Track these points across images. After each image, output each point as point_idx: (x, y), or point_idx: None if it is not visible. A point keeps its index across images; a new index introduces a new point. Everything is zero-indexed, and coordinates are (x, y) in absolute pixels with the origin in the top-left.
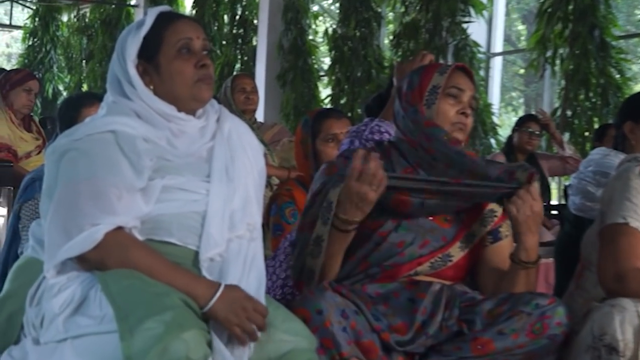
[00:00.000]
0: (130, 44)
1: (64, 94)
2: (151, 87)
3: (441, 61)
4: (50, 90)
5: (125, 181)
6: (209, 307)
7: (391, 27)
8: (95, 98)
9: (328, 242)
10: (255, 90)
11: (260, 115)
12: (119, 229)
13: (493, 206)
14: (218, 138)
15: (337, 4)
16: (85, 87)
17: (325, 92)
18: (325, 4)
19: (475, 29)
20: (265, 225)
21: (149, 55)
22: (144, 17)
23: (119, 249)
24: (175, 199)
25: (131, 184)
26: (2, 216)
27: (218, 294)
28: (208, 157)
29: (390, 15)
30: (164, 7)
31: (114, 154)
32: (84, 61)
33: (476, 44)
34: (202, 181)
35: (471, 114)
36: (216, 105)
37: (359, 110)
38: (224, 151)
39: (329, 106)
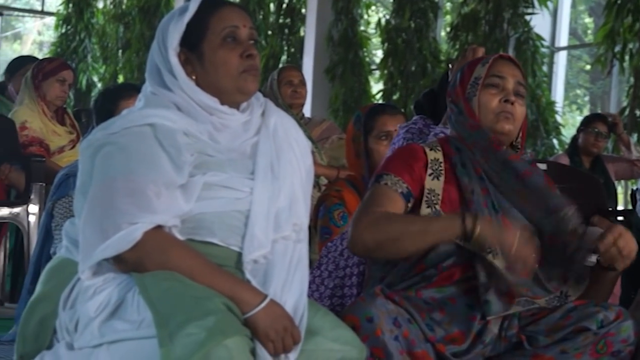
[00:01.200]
0: (173, 30)
1: (99, 85)
2: (193, 77)
3: None
4: (84, 81)
5: (164, 177)
6: (251, 314)
7: (448, 18)
8: (133, 89)
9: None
10: (303, 84)
11: (307, 111)
12: (158, 228)
13: None
14: (263, 133)
15: None
16: (121, 78)
17: (376, 87)
18: None
19: (539, 22)
20: (312, 228)
21: (192, 43)
22: (187, 3)
23: (159, 249)
24: (218, 197)
25: (171, 180)
26: (34, 214)
27: (263, 304)
28: (252, 153)
29: (448, 5)
30: None
31: (153, 148)
32: (120, 51)
33: (539, 38)
34: (246, 178)
35: (521, 102)
36: (261, 99)
37: (412, 107)
38: (269, 147)
39: (380, 102)
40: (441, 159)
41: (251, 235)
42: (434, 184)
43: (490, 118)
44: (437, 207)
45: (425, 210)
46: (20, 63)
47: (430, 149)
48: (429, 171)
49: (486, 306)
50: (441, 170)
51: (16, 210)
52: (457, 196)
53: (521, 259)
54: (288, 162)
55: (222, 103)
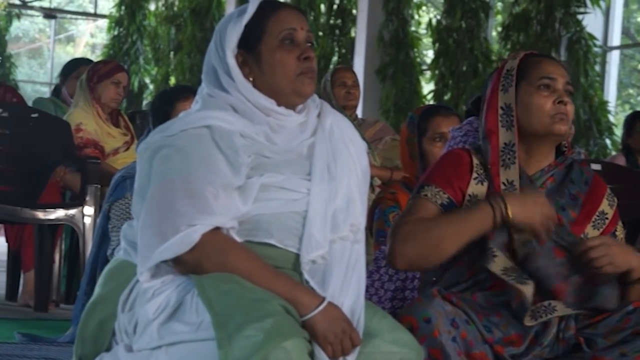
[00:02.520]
0: (231, 32)
1: (151, 87)
2: (250, 79)
3: (553, 55)
4: (136, 83)
5: (222, 179)
6: (310, 317)
7: (500, 18)
8: (189, 92)
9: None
10: (356, 85)
11: (358, 112)
12: (216, 229)
13: (604, 208)
14: (319, 134)
15: None
16: (172, 80)
17: (427, 87)
18: None
19: (591, 21)
20: (367, 230)
21: (249, 45)
22: (245, 5)
23: (217, 251)
24: (275, 198)
25: (228, 182)
26: (89, 215)
27: (322, 306)
28: (308, 154)
29: (499, 5)
30: None
31: (210, 150)
32: (171, 52)
33: (592, 37)
34: (303, 179)
35: (570, 101)
36: (317, 100)
37: (464, 107)
38: (325, 148)
39: (431, 102)
40: (484, 163)
41: (309, 235)
42: (478, 189)
43: (546, 121)
44: None
45: None
46: (73, 66)
47: (477, 153)
48: (474, 175)
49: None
50: (485, 175)
51: (71, 212)
52: None
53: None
54: (344, 162)
55: (279, 104)
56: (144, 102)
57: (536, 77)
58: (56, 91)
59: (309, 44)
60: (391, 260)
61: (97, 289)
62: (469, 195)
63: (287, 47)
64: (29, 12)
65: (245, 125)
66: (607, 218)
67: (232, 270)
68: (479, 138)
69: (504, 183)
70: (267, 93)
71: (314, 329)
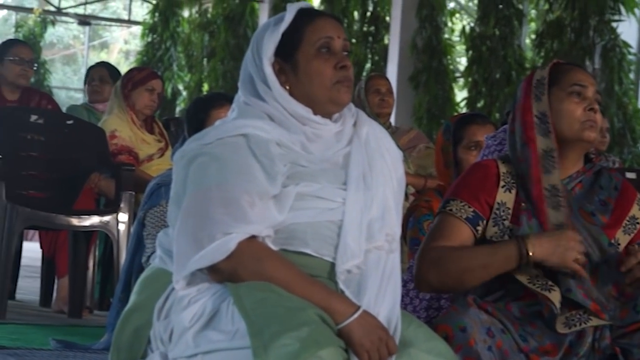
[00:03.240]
0: (268, 40)
1: (184, 93)
2: (287, 87)
3: (587, 63)
4: (170, 90)
5: (258, 187)
6: (345, 324)
7: (533, 25)
8: (224, 99)
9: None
10: (390, 92)
11: (391, 119)
12: (252, 238)
13: (635, 213)
14: (355, 143)
15: (476, 1)
16: (206, 87)
17: (460, 94)
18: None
19: (626, 28)
20: (401, 238)
21: (286, 53)
22: (283, 13)
23: (253, 259)
24: (310, 207)
25: (264, 191)
26: (124, 222)
27: (357, 314)
28: (344, 163)
29: (533, 12)
30: (304, 3)
31: (246, 158)
32: (205, 59)
33: (626, 45)
34: (338, 189)
35: (599, 110)
36: (353, 109)
37: (497, 115)
38: (361, 157)
39: (464, 110)
40: (513, 172)
41: (344, 245)
42: (506, 197)
43: (576, 127)
44: (506, 222)
45: (491, 229)
46: (88, 71)
47: (503, 162)
48: (502, 183)
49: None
50: (513, 183)
51: (106, 218)
52: None
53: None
54: (380, 172)
55: (315, 113)
56: (177, 109)
57: (568, 84)
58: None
59: (346, 53)
60: (416, 284)
61: (132, 297)
62: (498, 203)
63: (323, 55)
64: (64, 18)
65: (281, 134)
66: (638, 223)
67: (268, 278)
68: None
69: (547, 189)
70: (303, 102)
71: (350, 336)
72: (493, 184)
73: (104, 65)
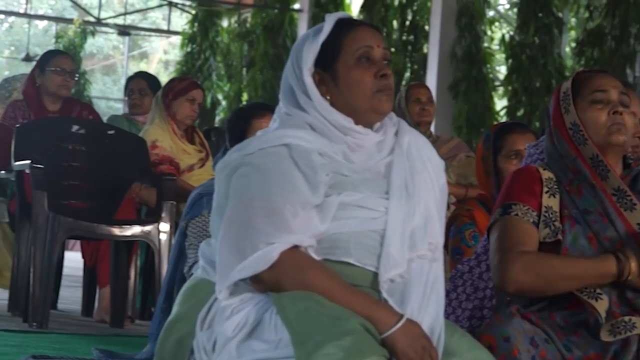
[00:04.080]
0: (307, 51)
1: (223, 103)
2: (327, 97)
3: (628, 71)
4: (209, 100)
5: (300, 197)
6: (389, 334)
7: (573, 33)
8: (265, 109)
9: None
10: (431, 101)
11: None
12: (295, 248)
13: None
14: (397, 152)
15: (515, 9)
16: (245, 97)
17: (500, 103)
18: (502, 9)
19: None
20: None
21: (326, 63)
22: (322, 24)
23: (296, 269)
24: (353, 217)
25: (307, 201)
26: (165, 232)
27: (400, 323)
28: (386, 172)
29: (573, 21)
30: (343, 13)
31: (289, 168)
32: (244, 69)
33: None
34: (381, 198)
35: (629, 112)
36: (394, 118)
37: (537, 124)
38: (403, 166)
39: (504, 119)
40: (555, 178)
41: (387, 254)
42: (551, 202)
43: (602, 133)
44: (556, 223)
45: (543, 230)
46: (127, 81)
47: (544, 169)
48: (545, 189)
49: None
50: (556, 188)
51: (147, 228)
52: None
53: None
54: (422, 181)
55: (356, 123)
56: (217, 119)
57: (588, 92)
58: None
59: (386, 62)
60: (501, 284)
61: (175, 307)
62: (545, 207)
63: (363, 65)
64: (104, 29)
65: (323, 143)
66: None
67: (311, 288)
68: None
69: (613, 194)
70: (344, 111)
71: (393, 346)
72: (539, 189)
73: (143, 76)
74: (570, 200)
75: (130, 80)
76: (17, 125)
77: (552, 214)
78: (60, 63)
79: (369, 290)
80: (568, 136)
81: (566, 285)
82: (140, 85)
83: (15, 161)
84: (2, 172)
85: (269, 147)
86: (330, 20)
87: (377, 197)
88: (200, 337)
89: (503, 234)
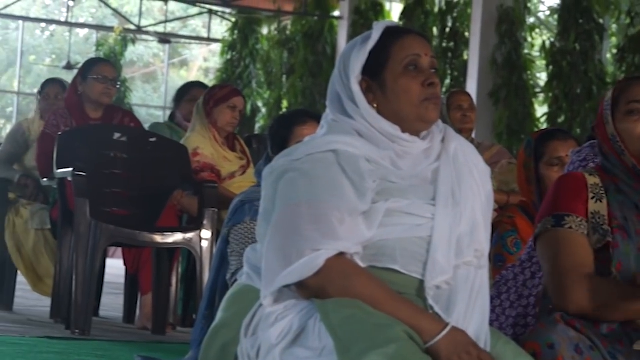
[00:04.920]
0: (355, 59)
1: (263, 110)
2: (374, 105)
3: None
4: (249, 107)
5: (347, 204)
6: (433, 343)
7: (614, 40)
8: (307, 116)
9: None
10: (472, 108)
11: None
12: (341, 254)
13: None
14: (443, 159)
15: (556, 16)
16: (285, 104)
17: (541, 110)
18: (542, 16)
19: None
20: None
21: (373, 71)
22: (370, 31)
23: (341, 276)
24: (400, 224)
25: (354, 207)
26: (207, 239)
27: (445, 331)
28: (433, 179)
29: (614, 27)
30: (391, 22)
31: (336, 175)
32: (284, 76)
33: None
34: (427, 204)
35: None
36: (441, 125)
37: (578, 130)
38: (449, 173)
39: (545, 125)
40: (600, 184)
41: (433, 261)
42: (598, 206)
43: (637, 145)
44: (605, 227)
45: (593, 237)
46: (185, 90)
47: (590, 175)
48: (591, 195)
49: None
50: (602, 194)
51: (189, 235)
52: None
53: None
54: (469, 187)
55: (403, 131)
56: (257, 126)
57: (625, 103)
58: (172, 116)
59: (433, 70)
60: (563, 306)
61: (219, 314)
62: (592, 213)
63: (411, 73)
64: (144, 37)
65: (371, 150)
66: None
67: (356, 295)
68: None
69: None
70: (391, 119)
71: (438, 354)
72: (585, 195)
73: (201, 86)
74: (618, 206)
75: (191, 88)
76: (60, 133)
77: (599, 218)
78: (102, 71)
79: (415, 297)
80: (610, 146)
81: (624, 316)
82: (198, 93)
83: (58, 169)
84: (45, 179)
85: (317, 153)
86: (378, 28)
87: (424, 203)
88: (245, 343)
89: (560, 251)
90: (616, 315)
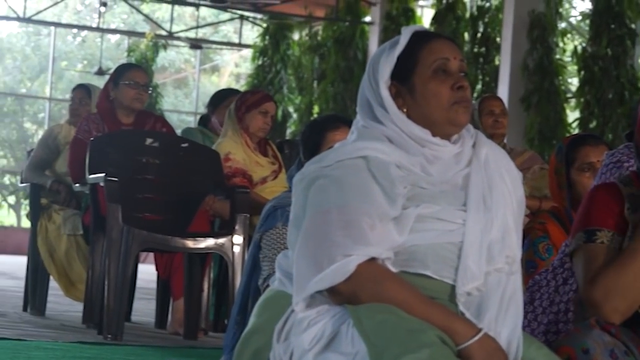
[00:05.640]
0: (384, 64)
1: (294, 116)
2: (404, 110)
3: None
4: (280, 112)
5: (378, 210)
6: (466, 345)
7: None
8: (339, 121)
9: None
10: (504, 113)
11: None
12: (372, 260)
13: None
14: (474, 164)
15: (588, 21)
16: (316, 109)
17: (572, 115)
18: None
19: None
20: None
21: (402, 76)
22: (398, 36)
23: (373, 281)
24: (431, 229)
25: (384, 213)
26: (239, 244)
27: (478, 336)
28: (464, 184)
29: None
30: (419, 26)
31: (366, 181)
32: (315, 81)
33: None
34: (458, 210)
35: None
36: (472, 130)
37: (610, 135)
38: (481, 178)
39: (576, 131)
40: (636, 194)
41: (464, 267)
42: (635, 218)
43: None
44: None
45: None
46: (223, 96)
47: (625, 185)
48: (627, 205)
49: None
50: (638, 204)
51: (221, 240)
52: None
53: None
54: (500, 193)
55: (434, 135)
56: (288, 131)
57: None
58: (203, 121)
59: (463, 74)
60: (605, 316)
61: (252, 319)
62: (630, 224)
63: (440, 77)
64: (175, 42)
65: (401, 156)
66: None
67: (387, 300)
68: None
69: None
70: (421, 124)
71: (470, 358)
72: (620, 207)
73: (238, 93)
74: None
75: (229, 95)
76: (92, 139)
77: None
78: (134, 76)
79: (446, 303)
80: None
81: None
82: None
83: (90, 174)
84: (77, 185)
85: (347, 159)
86: (406, 33)
87: (455, 209)
88: (277, 349)
89: (589, 267)
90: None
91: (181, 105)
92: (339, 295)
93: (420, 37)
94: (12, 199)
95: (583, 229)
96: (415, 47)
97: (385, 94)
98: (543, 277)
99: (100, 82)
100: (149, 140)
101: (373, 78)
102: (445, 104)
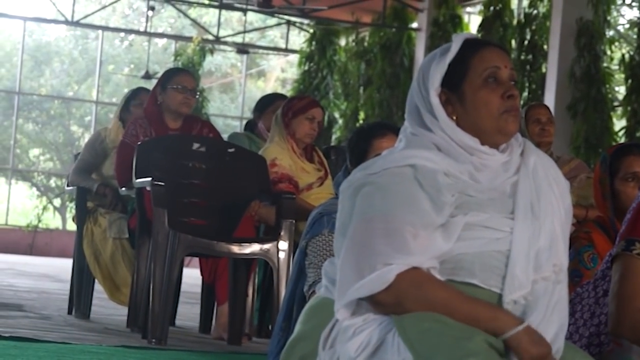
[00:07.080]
0: (434, 71)
1: (340, 122)
2: (453, 117)
3: None
4: (326, 118)
5: (423, 219)
6: (512, 334)
7: None
8: (386, 128)
9: None
10: (551, 122)
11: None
12: (414, 269)
13: None
14: (522, 172)
15: (635, 29)
16: (362, 115)
17: (619, 124)
18: (622, 29)
19: None
20: None
21: (453, 83)
22: (449, 44)
23: (414, 286)
24: (478, 237)
25: (430, 221)
26: (284, 250)
27: (523, 325)
28: (512, 192)
29: None
30: (470, 34)
31: (412, 189)
32: (361, 87)
33: None
34: (506, 218)
35: None
36: (520, 138)
37: None
38: (529, 187)
39: (622, 139)
40: None
41: (512, 275)
42: None
43: None
44: None
45: None
46: (269, 100)
47: None
48: None
49: None
50: None
51: (266, 246)
52: None
53: None
54: (548, 201)
55: (482, 143)
56: (333, 137)
57: None
58: (249, 126)
59: (513, 82)
60: (614, 330)
61: (298, 326)
62: None
63: (490, 85)
64: (222, 47)
65: (449, 164)
66: None
67: (430, 301)
68: None
69: None
70: (470, 132)
71: (518, 345)
72: None
73: (284, 98)
74: None
75: (276, 100)
76: (139, 143)
77: None
78: (182, 81)
79: None
80: None
81: None
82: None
83: (137, 178)
84: (123, 188)
85: (394, 167)
86: (457, 40)
87: (503, 217)
88: (323, 356)
89: (623, 277)
90: None
91: (227, 110)
92: (382, 306)
93: (471, 45)
94: (57, 202)
95: (625, 237)
96: (466, 54)
97: (435, 101)
98: (585, 289)
99: (147, 86)
100: (195, 145)
101: (423, 85)
102: (495, 113)
